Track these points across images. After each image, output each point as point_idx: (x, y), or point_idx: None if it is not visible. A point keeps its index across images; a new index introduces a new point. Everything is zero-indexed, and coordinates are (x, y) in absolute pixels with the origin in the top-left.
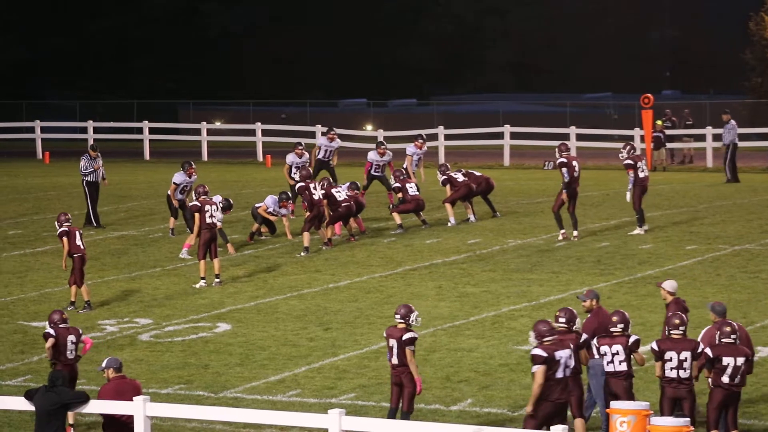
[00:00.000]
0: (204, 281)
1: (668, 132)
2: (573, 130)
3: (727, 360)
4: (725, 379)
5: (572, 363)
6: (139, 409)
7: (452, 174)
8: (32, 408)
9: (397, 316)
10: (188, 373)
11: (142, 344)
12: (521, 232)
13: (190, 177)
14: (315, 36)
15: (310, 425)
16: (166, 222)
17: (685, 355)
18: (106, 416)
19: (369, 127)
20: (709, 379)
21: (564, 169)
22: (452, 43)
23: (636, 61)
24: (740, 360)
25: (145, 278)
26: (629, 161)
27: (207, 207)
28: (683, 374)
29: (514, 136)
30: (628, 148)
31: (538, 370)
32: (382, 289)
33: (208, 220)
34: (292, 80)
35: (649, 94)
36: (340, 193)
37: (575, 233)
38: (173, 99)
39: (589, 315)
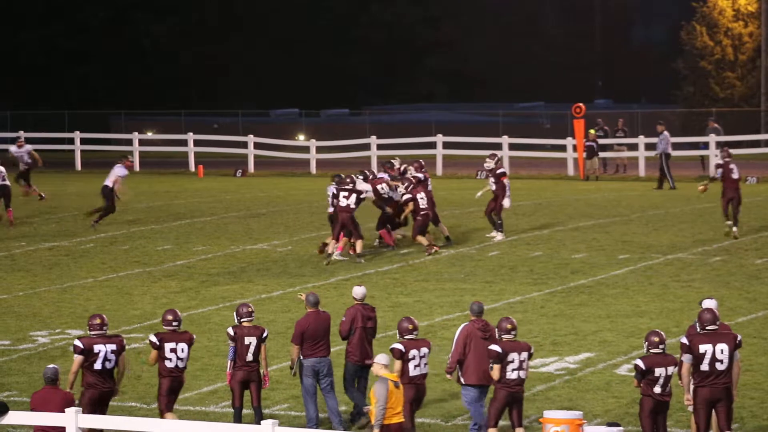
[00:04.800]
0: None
1: (601, 141)
2: (505, 140)
3: (658, 371)
4: (657, 389)
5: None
6: (70, 420)
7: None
8: None
9: (253, 315)
10: (121, 384)
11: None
12: (454, 242)
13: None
14: (247, 46)
15: None
16: (98, 233)
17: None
18: (35, 427)
19: (301, 137)
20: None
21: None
22: (386, 53)
23: (568, 70)
24: (670, 369)
25: (76, 289)
26: (503, 170)
27: None
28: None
29: (446, 145)
30: (496, 159)
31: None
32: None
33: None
34: (224, 90)
35: (580, 104)
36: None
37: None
38: (105, 109)
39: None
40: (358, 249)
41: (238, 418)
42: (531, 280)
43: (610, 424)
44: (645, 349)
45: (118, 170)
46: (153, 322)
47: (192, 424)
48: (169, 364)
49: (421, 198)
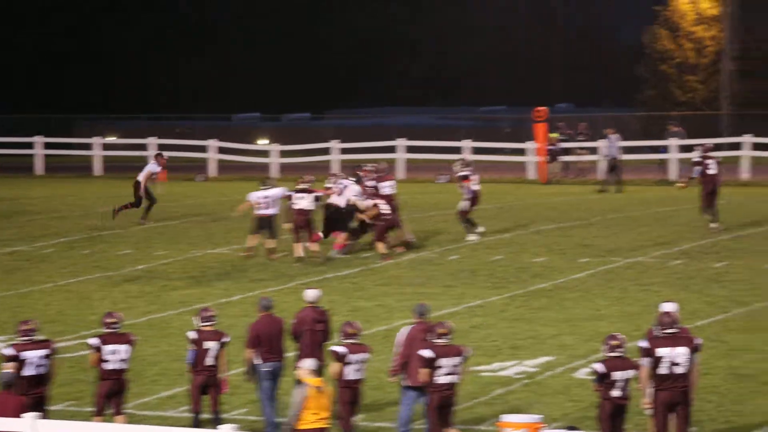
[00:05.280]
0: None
1: (562, 145)
2: (467, 144)
3: (617, 374)
4: (616, 392)
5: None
6: (28, 426)
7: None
8: None
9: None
10: (78, 389)
11: None
12: (414, 246)
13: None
14: (209, 50)
15: None
16: (59, 237)
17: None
18: None
19: (263, 142)
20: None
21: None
22: (348, 57)
23: (531, 74)
24: (629, 373)
25: (36, 294)
26: (464, 173)
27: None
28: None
29: (408, 149)
30: (460, 162)
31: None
32: (275, 303)
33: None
34: (186, 94)
35: (541, 108)
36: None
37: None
38: (67, 114)
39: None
40: (315, 248)
41: (196, 423)
42: (491, 284)
43: (568, 428)
44: (604, 353)
45: (151, 166)
46: None
47: (148, 429)
48: (108, 366)
49: (383, 203)
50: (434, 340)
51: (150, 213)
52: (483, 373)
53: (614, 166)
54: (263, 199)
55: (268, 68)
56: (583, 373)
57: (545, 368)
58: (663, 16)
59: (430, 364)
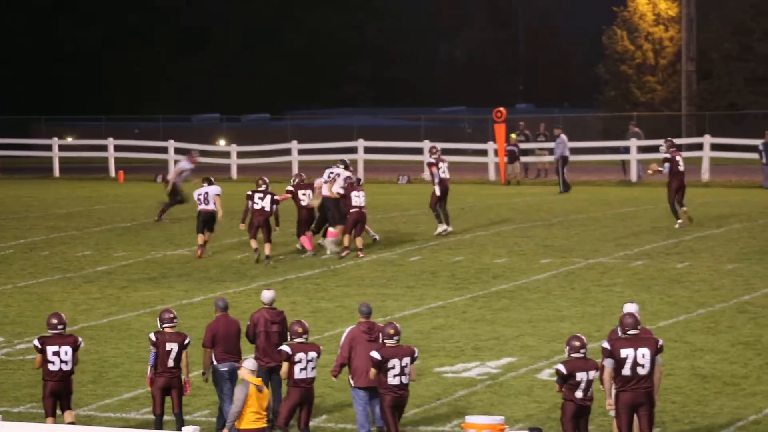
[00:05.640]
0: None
1: (522, 145)
2: (427, 144)
3: (580, 375)
4: (579, 394)
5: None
6: None
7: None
8: None
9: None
10: (40, 391)
11: None
12: (377, 246)
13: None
14: (170, 51)
15: None
16: (19, 238)
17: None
18: None
19: (222, 143)
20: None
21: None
22: (308, 58)
23: (491, 74)
24: (592, 374)
25: None
26: (431, 160)
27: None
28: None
29: (368, 150)
30: (433, 150)
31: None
32: (236, 305)
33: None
34: (145, 95)
35: (501, 108)
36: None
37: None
38: (25, 114)
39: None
40: (267, 251)
41: (158, 425)
42: (453, 285)
43: (531, 429)
44: (566, 354)
45: (183, 164)
46: (73, 329)
47: (110, 431)
48: (52, 368)
49: (356, 196)
50: (384, 341)
51: (168, 211)
52: (446, 375)
53: (563, 166)
54: (201, 195)
55: (228, 69)
56: (546, 374)
57: (508, 369)
58: (622, 17)
59: (379, 365)
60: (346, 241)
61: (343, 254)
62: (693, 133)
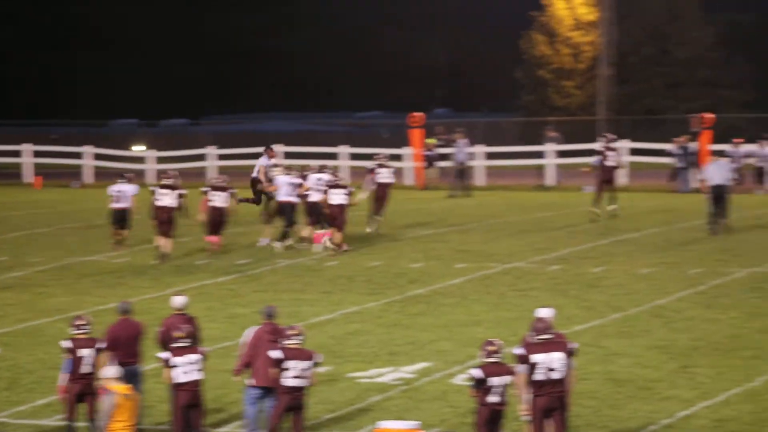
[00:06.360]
0: None
1: (439, 150)
2: (344, 149)
3: (495, 380)
4: (493, 398)
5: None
6: None
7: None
8: None
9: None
10: None
11: None
12: (291, 252)
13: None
14: (86, 55)
15: None
16: None
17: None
18: None
19: (140, 148)
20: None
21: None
22: (225, 63)
23: (408, 80)
24: (506, 378)
25: None
26: (371, 166)
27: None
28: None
29: (285, 155)
30: (376, 157)
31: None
32: (152, 310)
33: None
34: (62, 100)
35: (417, 113)
36: None
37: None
38: None
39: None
40: (168, 249)
41: None
42: (369, 290)
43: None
44: (481, 358)
45: (262, 160)
46: None
47: None
48: None
49: (335, 194)
50: (285, 342)
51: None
52: (360, 380)
53: (461, 171)
54: (116, 192)
55: (146, 75)
56: (460, 379)
57: (423, 374)
58: (540, 21)
59: (278, 364)
60: (338, 237)
61: (344, 248)
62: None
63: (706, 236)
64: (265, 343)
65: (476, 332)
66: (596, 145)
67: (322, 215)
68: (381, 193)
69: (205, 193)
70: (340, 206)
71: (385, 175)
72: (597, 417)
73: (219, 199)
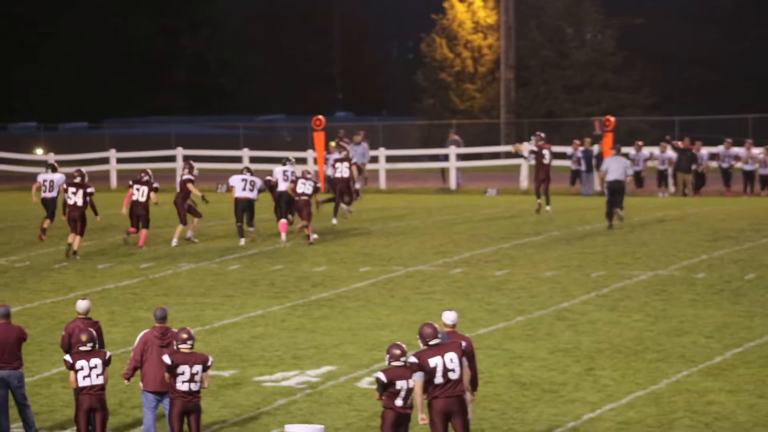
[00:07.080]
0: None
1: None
2: (246, 153)
3: (400, 383)
4: (399, 402)
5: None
6: None
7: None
8: None
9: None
10: None
11: None
12: (194, 256)
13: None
14: None
15: None
16: None
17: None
18: None
19: (39, 151)
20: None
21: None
22: (125, 66)
23: (310, 83)
24: (411, 382)
25: None
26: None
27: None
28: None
29: (186, 158)
30: (330, 149)
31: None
32: (54, 314)
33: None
34: None
35: (320, 116)
36: None
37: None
38: None
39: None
40: (76, 246)
41: None
42: (272, 294)
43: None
44: (386, 362)
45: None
46: None
47: None
48: None
49: (302, 183)
50: (178, 346)
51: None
52: (265, 384)
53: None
54: (48, 182)
55: (45, 77)
56: (366, 383)
57: (328, 378)
58: (441, 24)
59: (170, 369)
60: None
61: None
62: (512, 140)
63: (609, 239)
64: (154, 347)
65: (381, 336)
66: (530, 145)
67: (290, 205)
68: (342, 188)
69: (130, 186)
70: (306, 197)
71: (342, 170)
72: (502, 420)
73: (140, 194)
